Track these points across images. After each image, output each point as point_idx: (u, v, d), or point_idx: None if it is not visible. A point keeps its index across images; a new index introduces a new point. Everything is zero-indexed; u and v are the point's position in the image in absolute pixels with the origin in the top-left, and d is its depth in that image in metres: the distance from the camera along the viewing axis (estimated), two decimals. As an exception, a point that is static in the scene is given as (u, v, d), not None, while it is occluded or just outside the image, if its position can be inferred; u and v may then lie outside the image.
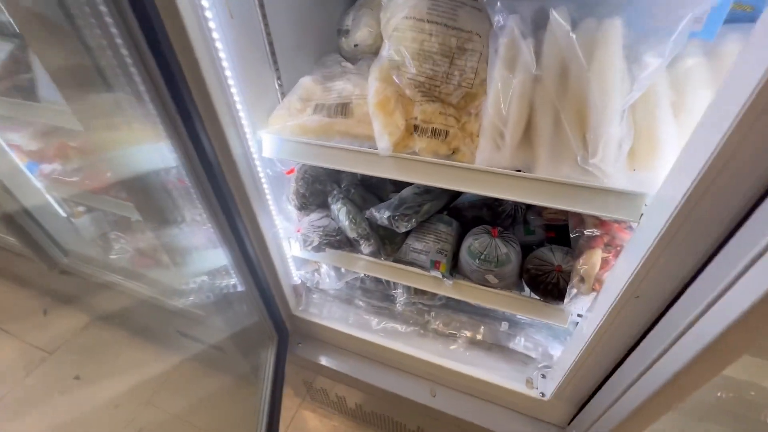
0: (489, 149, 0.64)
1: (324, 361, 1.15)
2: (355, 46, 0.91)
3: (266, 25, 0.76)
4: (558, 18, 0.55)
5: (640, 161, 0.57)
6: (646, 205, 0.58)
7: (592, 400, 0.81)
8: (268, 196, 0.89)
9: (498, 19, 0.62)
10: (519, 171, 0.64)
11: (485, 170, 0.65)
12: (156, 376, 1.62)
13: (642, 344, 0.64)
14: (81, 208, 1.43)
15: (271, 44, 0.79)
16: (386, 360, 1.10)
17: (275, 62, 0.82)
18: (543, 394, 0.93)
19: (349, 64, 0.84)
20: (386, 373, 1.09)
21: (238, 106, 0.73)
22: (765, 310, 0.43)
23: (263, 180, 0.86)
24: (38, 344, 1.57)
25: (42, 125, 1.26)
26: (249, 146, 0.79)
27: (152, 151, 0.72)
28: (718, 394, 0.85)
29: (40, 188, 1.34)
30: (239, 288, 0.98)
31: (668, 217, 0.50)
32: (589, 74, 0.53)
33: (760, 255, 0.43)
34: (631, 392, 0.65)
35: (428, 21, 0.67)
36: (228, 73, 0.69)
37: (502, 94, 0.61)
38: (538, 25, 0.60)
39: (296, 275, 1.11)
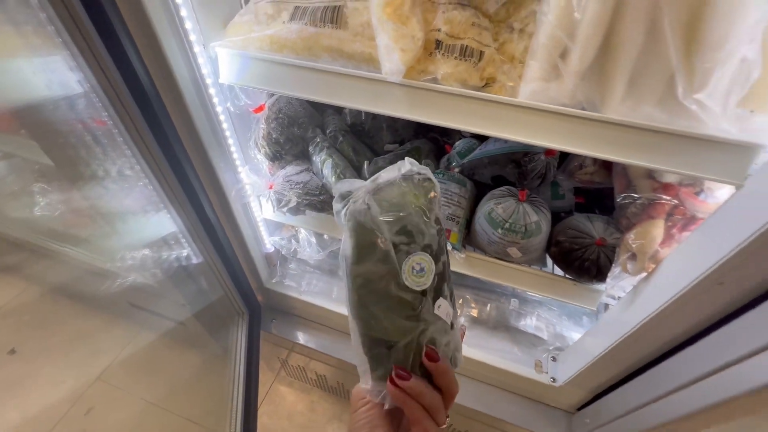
0: (542, 77, 0.46)
1: (303, 340, 1.00)
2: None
3: None
4: None
5: (760, 100, 0.41)
6: (755, 164, 0.42)
7: (615, 392, 0.71)
8: (230, 141, 0.68)
9: None
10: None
11: (537, 108, 0.47)
12: (107, 350, 1.44)
13: (711, 339, 0.51)
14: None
15: None
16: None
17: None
18: (554, 380, 0.82)
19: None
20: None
21: (179, 1, 0.50)
22: None
23: (222, 118, 0.64)
24: (-45, 316, 1.33)
25: None
26: (199, 66, 0.56)
27: (42, 68, 0.49)
28: None
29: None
30: (194, 260, 0.78)
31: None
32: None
33: None
34: (686, 393, 0.54)
35: None
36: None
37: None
38: None
39: (269, 242, 0.92)
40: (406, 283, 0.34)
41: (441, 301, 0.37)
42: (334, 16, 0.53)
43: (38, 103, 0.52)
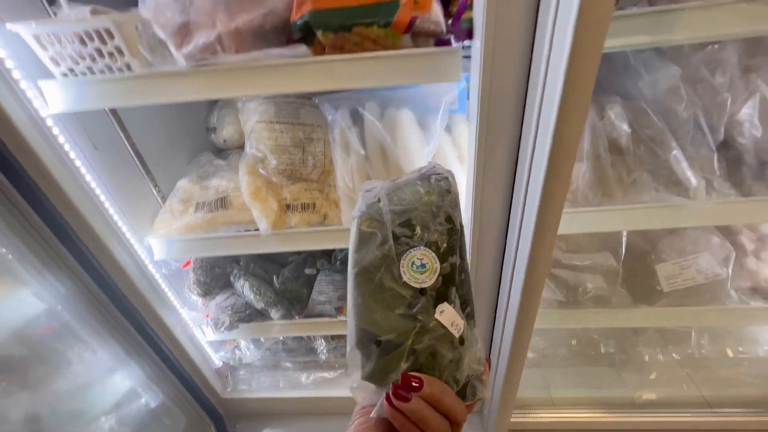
0: (349, 211, 0.82)
1: (266, 433, 1.17)
2: (224, 141, 1.03)
3: (132, 144, 0.85)
4: (367, 114, 0.75)
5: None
6: (464, 227, 0.80)
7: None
8: (169, 294, 0.94)
9: (328, 115, 0.82)
10: (375, 222, 0.82)
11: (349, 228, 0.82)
12: None
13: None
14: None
15: (140, 158, 0.87)
16: (325, 409, 1.17)
17: (149, 172, 0.90)
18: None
19: (221, 161, 0.96)
20: (328, 422, 1.16)
21: (119, 222, 0.79)
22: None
23: (161, 281, 0.91)
24: None
25: None
26: (139, 255, 0.84)
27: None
28: (573, 342, 1.13)
29: None
30: (152, 404, 0.97)
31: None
32: (396, 150, 0.75)
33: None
34: (500, 362, 0.85)
35: (277, 122, 0.84)
36: (102, 197, 0.76)
37: (344, 171, 0.79)
38: (359, 117, 0.81)
39: (217, 358, 1.13)
40: (404, 277, 0.34)
41: (444, 306, 0.35)
42: (223, 203, 0.86)
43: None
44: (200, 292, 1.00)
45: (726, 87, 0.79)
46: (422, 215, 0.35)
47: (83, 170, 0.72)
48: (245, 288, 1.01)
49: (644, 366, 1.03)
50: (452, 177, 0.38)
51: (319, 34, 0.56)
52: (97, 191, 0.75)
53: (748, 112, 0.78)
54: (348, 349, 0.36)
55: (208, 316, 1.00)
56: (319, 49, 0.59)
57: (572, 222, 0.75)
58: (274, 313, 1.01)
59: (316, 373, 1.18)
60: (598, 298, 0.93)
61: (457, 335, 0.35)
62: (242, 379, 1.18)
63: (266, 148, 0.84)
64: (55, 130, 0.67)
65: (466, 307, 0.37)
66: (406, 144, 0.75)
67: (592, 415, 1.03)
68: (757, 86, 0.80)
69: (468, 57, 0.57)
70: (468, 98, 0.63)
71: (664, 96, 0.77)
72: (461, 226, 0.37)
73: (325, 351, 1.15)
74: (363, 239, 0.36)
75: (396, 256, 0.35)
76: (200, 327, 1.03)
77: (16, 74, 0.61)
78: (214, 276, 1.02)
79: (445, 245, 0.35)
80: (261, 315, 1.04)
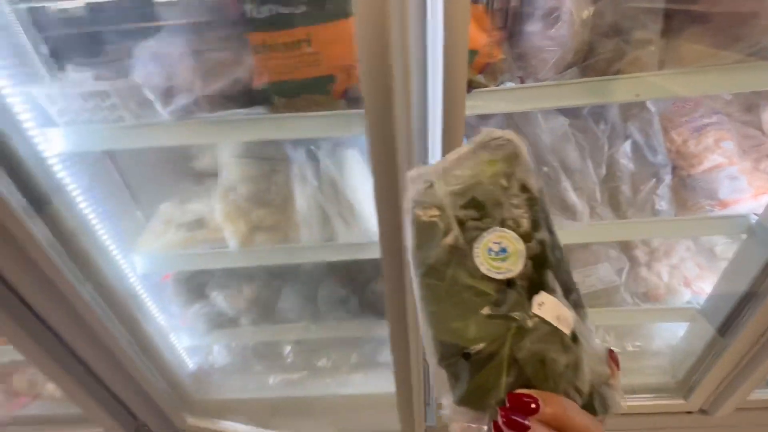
0: (306, 232, 0.98)
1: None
2: (204, 168, 1.19)
3: (123, 177, 1.00)
4: (321, 153, 0.93)
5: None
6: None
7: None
8: (150, 305, 1.07)
9: (289, 152, 0.98)
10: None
11: (307, 246, 0.98)
12: None
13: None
14: None
15: (130, 189, 1.02)
16: (293, 409, 1.30)
17: (134, 199, 1.04)
18: (407, 386, 1.25)
19: (198, 187, 1.11)
20: (294, 420, 1.28)
21: (107, 242, 0.93)
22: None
23: (143, 293, 1.04)
24: None
25: None
26: (123, 270, 0.98)
27: None
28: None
29: None
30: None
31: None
32: (344, 182, 0.92)
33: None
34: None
35: (246, 157, 1.00)
36: (93, 221, 0.90)
37: (301, 199, 0.96)
38: (315, 154, 0.98)
39: (191, 363, 1.26)
40: (482, 269, 0.28)
41: (543, 296, 0.28)
42: (200, 224, 1.01)
43: None
44: (180, 303, 1.13)
45: (607, 133, 1.00)
46: (490, 189, 0.30)
47: (79, 199, 0.86)
48: (219, 298, 1.14)
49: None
50: (517, 138, 0.32)
51: (275, 98, 0.74)
52: (90, 216, 0.89)
53: (624, 152, 0.99)
54: (431, 368, 0.30)
55: (183, 323, 1.13)
56: (276, 108, 0.76)
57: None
58: (244, 320, 1.15)
59: (282, 375, 1.31)
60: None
61: (567, 331, 0.27)
62: (215, 384, 1.30)
63: (237, 179, 0.99)
64: (57, 168, 0.81)
65: (570, 292, 0.30)
66: (352, 178, 0.93)
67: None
68: (631, 132, 1.01)
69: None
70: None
71: (557, 140, 0.97)
72: (541, 193, 0.31)
73: (291, 355, 1.29)
74: (422, 233, 0.31)
75: (466, 244, 0.29)
76: (177, 333, 1.16)
77: (27, 123, 0.75)
78: (190, 287, 1.15)
79: (526, 220, 0.30)
80: (233, 322, 1.17)
